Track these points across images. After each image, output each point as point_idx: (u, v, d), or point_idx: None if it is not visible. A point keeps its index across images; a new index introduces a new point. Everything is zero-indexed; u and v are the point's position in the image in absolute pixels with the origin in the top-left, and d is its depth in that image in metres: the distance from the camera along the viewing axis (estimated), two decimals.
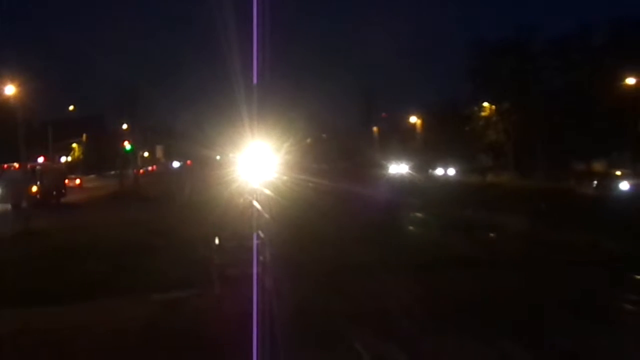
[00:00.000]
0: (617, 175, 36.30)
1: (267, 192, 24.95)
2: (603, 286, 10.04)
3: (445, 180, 51.04)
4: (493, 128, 55.04)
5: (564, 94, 48.32)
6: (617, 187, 33.17)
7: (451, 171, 55.65)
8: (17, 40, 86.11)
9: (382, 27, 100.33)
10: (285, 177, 33.22)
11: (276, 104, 45.65)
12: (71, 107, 61.36)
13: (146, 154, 70.88)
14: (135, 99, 55.96)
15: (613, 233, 14.87)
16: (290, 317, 7.92)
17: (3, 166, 31.82)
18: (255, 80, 16.97)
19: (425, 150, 58.82)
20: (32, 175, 31.53)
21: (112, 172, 60.20)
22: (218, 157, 54.13)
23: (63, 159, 59.67)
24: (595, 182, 36.34)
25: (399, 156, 55.70)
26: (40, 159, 39.90)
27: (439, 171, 56.88)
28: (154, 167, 75.22)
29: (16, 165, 30.70)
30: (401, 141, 63.70)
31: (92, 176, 61.15)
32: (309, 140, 65.70)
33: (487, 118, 55.59)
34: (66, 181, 38.29)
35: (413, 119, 64.81)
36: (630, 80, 39.53)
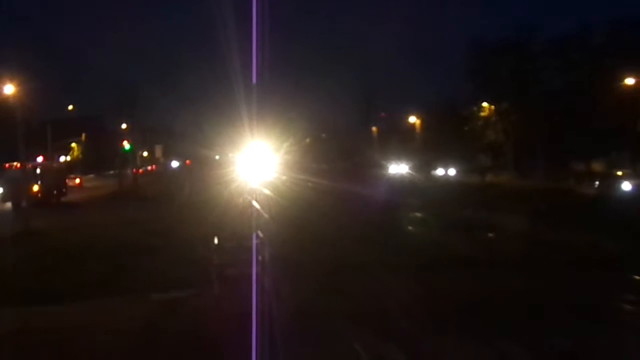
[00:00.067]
0: (619, 176, 36.22)
1: (267, 191, 24.91)
2: (603, 286, 10.04)
3: (445, 181, 50.97)
4: (492, 128, 55.02)
5: (563, 94, 48.29)
6: (619, 187, 33.09)
7: (452, 171, 55.59)
8: (16, 40, 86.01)
9: (382, 27, 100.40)
10: (284, 177, 33.16)
11: (275, 103, 45.61)
12: (70, 107, 61.35)
13: (145, 154, 70.83)
14: (134, 98, 56.04)
15: (613, 233, 14.88)
16: (290, 317, 7.93)
17: (4, 165, 31.86)
18: (254, 80, 16.93)
19: (425, 151, 58.78)
20: (33, 174, 31.61)
21: (111, 172, 60.21)
22: (217, 157, 54.08)
23: (62, 159, 59.61)
24: (597, 182, 36.32)
25: (399, 156, 55.64)
26: (39, 159, 39.93)
27: (440, 171, 56.82)
28: (153, 166, 75.20)
29: (17, 164, 30.73)
30: (400, 141, 63.64)
31: (91, 176, 61.12)
32: (308, 140, 65.69)
33: (486, 118, 55.58)
34: (66, 181, 38.36)
35: (412, 119, 64.77)
36: (630, 81, 39.52)
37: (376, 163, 57.36)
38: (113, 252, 13.69)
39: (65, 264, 12.57)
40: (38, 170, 32.62)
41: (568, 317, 8.20)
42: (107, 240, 15.75)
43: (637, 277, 10.83)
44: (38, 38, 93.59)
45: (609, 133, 42.34)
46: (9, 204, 29.53)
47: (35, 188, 30.34)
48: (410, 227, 20.14)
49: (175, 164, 64.30)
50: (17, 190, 28.96)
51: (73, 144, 71.64)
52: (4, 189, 30.40)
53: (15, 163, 31.16)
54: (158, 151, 69.16)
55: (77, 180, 48.44)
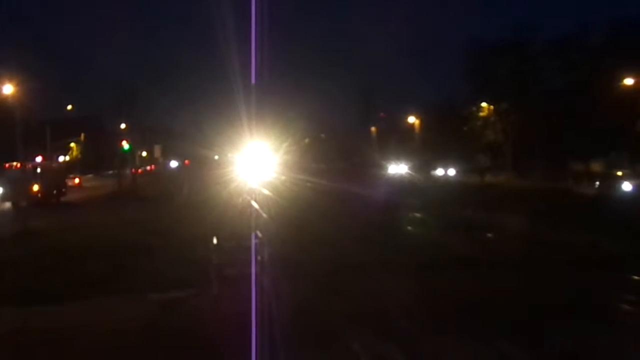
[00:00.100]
0: (619, 176, 36.23)
1: (266, 192, 24.88)
2: (603, 286, 10.04)
3: (444, 181, 50.98)
4: (491, 128, 55.07)
5: (563, 94, 48.30)
6: (619, 187, 33.09)
7: (451, 171, 55.60)
8: (16, 40, 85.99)
9: (381, 27, 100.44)
10: (283, 177, 33.11)
11: (275, 103, 45.62)
12: (69, 107, 61.43)
13: (144, 154, 70.83)
14: (133, 98, 56.11)
15: (613, 233, 14.88)
16: (289, 317, 7.90)
17: (5, 165, 31.87)
18: (253, 80, 16.87)
19: (424, 151, 58.83)
20: (33, 174, 31.64)
21: (110, 172, 60.15)
22: (216, 157, 54.05)
23: (61, 159, 59.59)
24: (597, 182, 36.33)
25: (398, 156, 55.67)
26: (38, 159, 39.94)
27: (439, 171, 56.83)
28: (152, 166, 75.16)
29: (17, 164, 30.73)
30: (400, 141, 63.68)
31: (90, 176, 61.05)
32: (307, 140, 65.74)
33: (485, 118, 55.61)
34: (66, 181, 38.35)
35: (412, 119, 64.81)
36: (629, 81, 39.56)
37: (375, 163, 57.42)
38: (112, 252, 13.66)
39: (64, 263, 12.54)
40: (38, 170, 32.62)
41: (568, 317, 8.19)
42: (107, 240, 15.73)
43: (637, 277, 10.83)
44: (37, 38, 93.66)
45: (608, 133, 42.38)
46: (8, 204, 29.55)
47: (35, 188, 30.34)
48: (409, 227, 20.12)
49: (174, 164, 64.33)
50: (17, 190, 28.99)
51: (72, 144, 71.55)
52: (4, 189, 30.41)
53: (15, 163, 31.17)
54: (157, 151, 69.18)
55: (77, 180, 48.40)
